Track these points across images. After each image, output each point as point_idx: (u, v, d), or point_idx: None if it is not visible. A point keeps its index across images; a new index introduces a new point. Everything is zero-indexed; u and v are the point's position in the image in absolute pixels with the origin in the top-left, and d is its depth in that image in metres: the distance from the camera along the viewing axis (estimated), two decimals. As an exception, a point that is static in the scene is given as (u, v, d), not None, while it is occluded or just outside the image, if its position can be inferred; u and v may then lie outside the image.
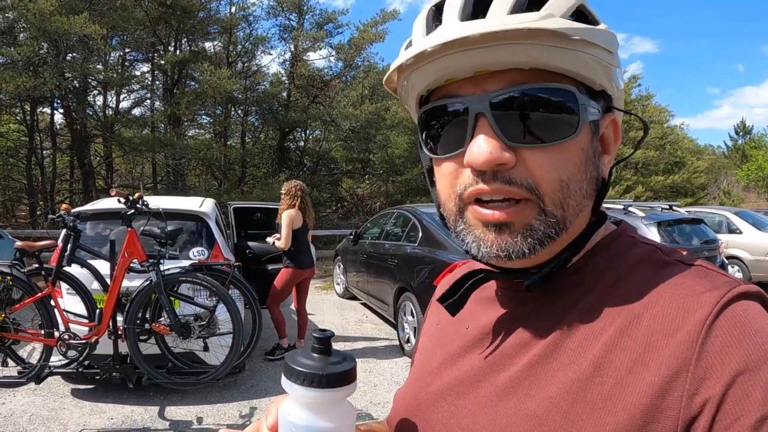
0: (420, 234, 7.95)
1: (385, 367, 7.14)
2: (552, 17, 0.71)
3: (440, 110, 0.79)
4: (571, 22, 0.72)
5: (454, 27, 0.72)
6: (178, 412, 5.52)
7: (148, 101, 22.25)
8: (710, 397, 0.64)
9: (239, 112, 23.41)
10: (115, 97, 21.00)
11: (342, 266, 11.76)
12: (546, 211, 0.74)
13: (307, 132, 25.82)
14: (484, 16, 0.72)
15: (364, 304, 10.87)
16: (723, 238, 12.77)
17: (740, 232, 14.00)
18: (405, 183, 25.55)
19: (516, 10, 0.71)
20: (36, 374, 4.89)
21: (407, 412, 0.94)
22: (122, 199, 5.02)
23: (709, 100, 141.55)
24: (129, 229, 4.99)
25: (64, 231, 5.13)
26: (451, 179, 0.79)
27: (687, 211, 13.89)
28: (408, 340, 7.65)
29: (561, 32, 0.70)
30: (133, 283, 5.16)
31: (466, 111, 0.75)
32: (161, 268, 4.96)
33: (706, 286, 0.72)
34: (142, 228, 5.08)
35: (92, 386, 5.99)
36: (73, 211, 5.29)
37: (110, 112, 20.58)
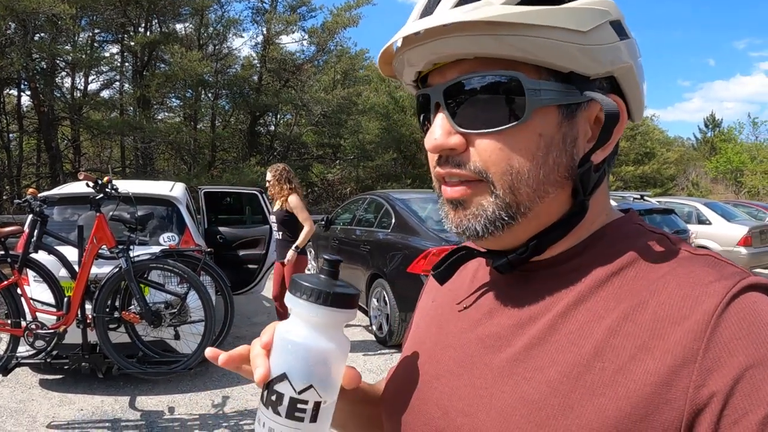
0: (393, 220, 7.92)
1: (358, 354, 7.11)
2: (489, 6, 0.71)
3: (418, 99, 0.84)
4: (512, 7, 0.71)
5: (409, 25, 0.76)
6: (149, 401, 5.44)
7: (117, 83, 21.93)
8: (718, 390, 0.62)
9: (209, 95, 23.16)
10: (83, 79, 20.64)
11: (313, 252, 11.68)
12: (496, 194, 0.76)
13: (278, 116, 25.67)
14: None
15: (336, 291, 10.78)
16: (692, 228, 12.96)
17: (709, 223, 14.21)
18: (376, 168, 25.59)
19: (461, 3, 0.73)
20: (3, 365, 4.77)
21: (401, 391, 0.92)
22: (91, 183, 4.89)
23: (680, 92, 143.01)
24: (98, 214, 4.87)
25: (30, 216, 5.00)
26: (430, 161, 0.83)
27: (658, 202, 14.07)
28: (380, 327, 7.64)
29: (493, 21, 0.70)
30: (101, 270, 5.05)
31: (429, 100, 0.80)
32: (131, 255, 4.86)
33: (715, 275, 0.70)
34: (111, 213, 4.96)
35: (61, 376, 5.89)
36: (39, 195, 5.14)
37: (78, 95, 20.22)
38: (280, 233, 6.91)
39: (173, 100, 23.63)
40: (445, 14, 0.72)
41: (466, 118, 0.75)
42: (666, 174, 36.07)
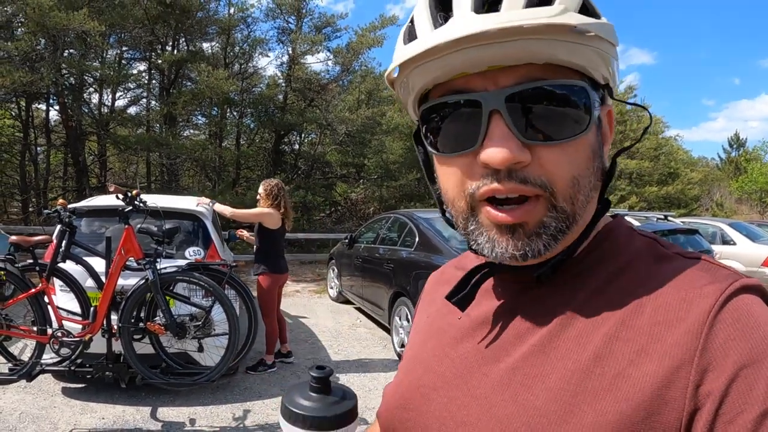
0: (417, 239, 7.92)
1: (379, 372, 7.08)
2: (567, 12, 0.70)
3: (448, 106, 0.77)
4: (584, 17, 0.72)
5: (470, 20, 0.70)
6: (170, 413, 5.45)
7: (144, 100, 22.15)
8: (713, 389, 0.64)
9: (235, 113, 23.31)
10: (110, 95, 20.90)
11: (336, 270, 11.69)
12: (557, 207, 0.74)
13: (303, 135, 25.74)
14: (496, 8, 0.71)
15: (358, 309, 10.82)
16: (717, 249, 12.83)
17: (734, 244, 14.05)
18: (399, 188, 25.51)
19: (531, 4, 0.70)
20: (27, 372, 4.82)
21: (398, 405, 0.92)
22: (120, 196, 4.96)
23: (705, 112, 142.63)
24: (126, 226, 4.93)
25: (58, 227, 5.06)
26: (460, 177, 0.77)
27: (682, 222, 13.95)
28: (402, 345, 7.59)
29: (580, 28, 0.70)
30: (126, 281, 5.11)
31: (478, 107, 0.73)
32: (158, 267, 4.91)
33: (708, 278, 0.72)
34: (139, 225, 5.02)
35: (83, 385, 5.91)
36: (69, 206, 5.22)
37: (105, 110, 20.47)
38: (256, 246, 6.91)
39: (199, 117, 23.82)
40: (527, 13, 0.69)
41: (530, 128, 0.72)
42: (690, 194, 35.70)
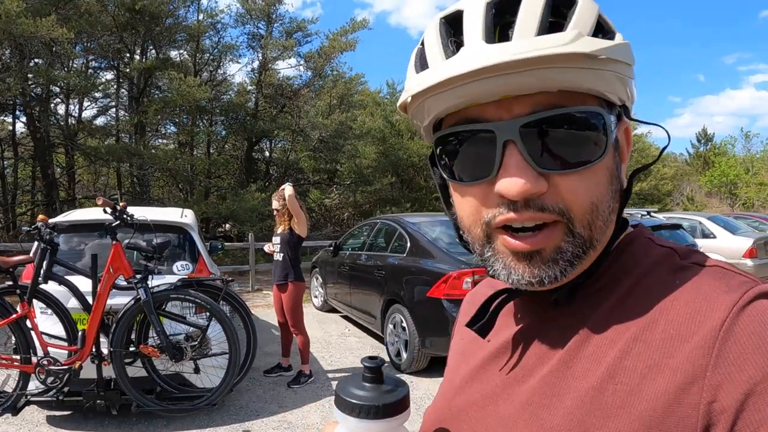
0: (408, 244, 7.74)
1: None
2: (581, 37, 0.70)
3: (462, 135, 0.76)
4: (598, 40, 0.71)
5: (483, 51, 0.69)
6: (165, 439, 5.13)
7: (113, 110, 21.75)
8: (729, 405, 0.61)
9: (205, 121, 23.00)
10: (78, 106, 20.47)
11: (320, 278, 11.46)
12: (575, 233, 0.73)
13: (274, 142, 25.57)
14: (507, 37, 0.71)
15: (345, 317, 10.59)
16: (698, 243, 12.88)
17: (714, 237, 14.21)
18: (374, 193, 25.50)
19: (542, 31, 0.70)
20: (12, 404, 4.50)
21: (432, 427, 0.93)
22: (108, 209, 4.64)
23: (671, 108, 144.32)
24: (114, 242, 4.62)
25: (36, 244, 4.74)
26: (476, 206, 0.77)
27: (665, 217, 14.02)
28: (398, 354, 7.37)
29: (593, 54, 0.69)
30: (113, 300, 4.79)
31: (493, 137, 0.72)
32: (149, 285, 4.61)
33: (722, 288, 0.69)
34: (126, 241, 4.71)
35: (69, 412, 5.56)
36: (49, 222, 4.88)
37: (73, 121, 20.03)
38: (282, 255, 6.83)
39: (169, 126, 23.49)
40: (539, 43, 0.68)
41: (546, 157, 0.71)
42: (664, 190, 36.26)
